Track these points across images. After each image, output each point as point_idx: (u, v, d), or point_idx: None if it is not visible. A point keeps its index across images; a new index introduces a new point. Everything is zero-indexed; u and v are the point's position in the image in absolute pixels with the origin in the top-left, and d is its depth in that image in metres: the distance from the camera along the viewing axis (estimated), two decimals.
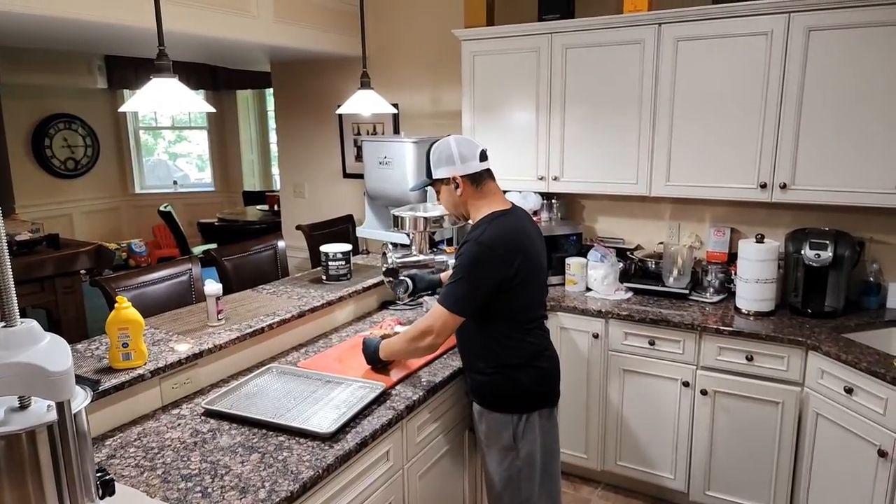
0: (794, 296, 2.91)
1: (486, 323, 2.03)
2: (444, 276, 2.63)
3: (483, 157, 2.10)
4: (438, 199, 2.20)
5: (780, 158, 2.80)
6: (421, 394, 2.10)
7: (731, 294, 3.04)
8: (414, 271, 2.64)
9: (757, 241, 2.86)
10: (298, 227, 4.10)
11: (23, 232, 4.42)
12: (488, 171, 2.12)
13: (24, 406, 1.09)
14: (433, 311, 2.01)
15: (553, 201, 3.56)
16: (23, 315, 1.08)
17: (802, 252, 2.83)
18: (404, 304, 3.04)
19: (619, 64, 3.08)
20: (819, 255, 2.79)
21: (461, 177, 2.06)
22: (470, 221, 2.13)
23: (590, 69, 3.16)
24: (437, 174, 2.10)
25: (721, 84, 2.87)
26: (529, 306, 2.06)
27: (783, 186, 2.81)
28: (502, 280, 1.94)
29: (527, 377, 2.05)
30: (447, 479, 2.34)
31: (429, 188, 2.33)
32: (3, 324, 1.04)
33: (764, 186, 2.85)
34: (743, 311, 2.89)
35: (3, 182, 7.16)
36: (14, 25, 2.91)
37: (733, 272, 3.05)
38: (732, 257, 3.13)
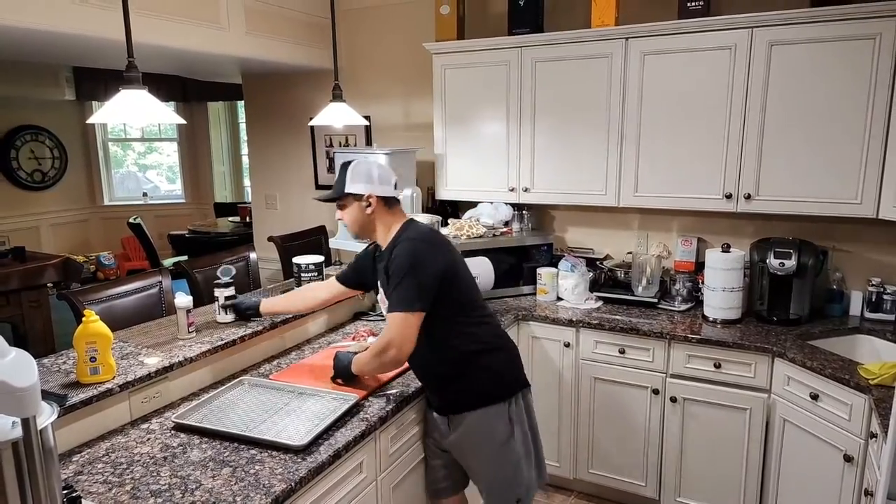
0: (760, 304, 2.98)
1: (444, 318, 2.04)
2: (266, 302, 2.55)
3: (396, 186, 2.17)
4: (340, 214, 2.18)
5: (744, 169, 2.87)
6: (393, 405, 2.11)
7: (699, 302, 3.10)
8: (238, 299, 2.59)
9: (723, 251, 2.93)
10: (270, 239, 4.08)
11: None
12: (399, 201, 2.20)
13: None
14: (388, 323, 2.01)
15: (524, 212, 3.60)
16: None
17: (767, 261, 2.90)
18: (377, 315, 3.05)
19: (587, 77, 3.14)
20: (783, 264, 2.86)
21: (377, 197, 2.10)
22: (372, 240, 2.21)
23: (559, 82, 3.21)
24: (350, 188, 2.09)
25: (687, 97, 2.94)
26: (473, 294, 2.14)
27: (748, 197, 2.87)
28: (445, 269, 2.02)
29: (496, 362, 2.12)
30: (421, 490, 2.34)
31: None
32: None
33: (729, 197, 2.91)
34: (710, 319, 2.95)
35: None
36: None
37: (700, 281, 3.11)
38: (700, 266, 3.19)
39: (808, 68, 2.68)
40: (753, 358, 2.68)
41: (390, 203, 2.15)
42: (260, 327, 2.50)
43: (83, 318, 1.96)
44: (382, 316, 3.01)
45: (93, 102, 7.89)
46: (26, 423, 1.02)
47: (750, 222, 3.21)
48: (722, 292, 2.90)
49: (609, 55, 3.06)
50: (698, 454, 2.87)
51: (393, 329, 1.98)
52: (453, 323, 2.07)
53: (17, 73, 6.71)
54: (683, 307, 3.15)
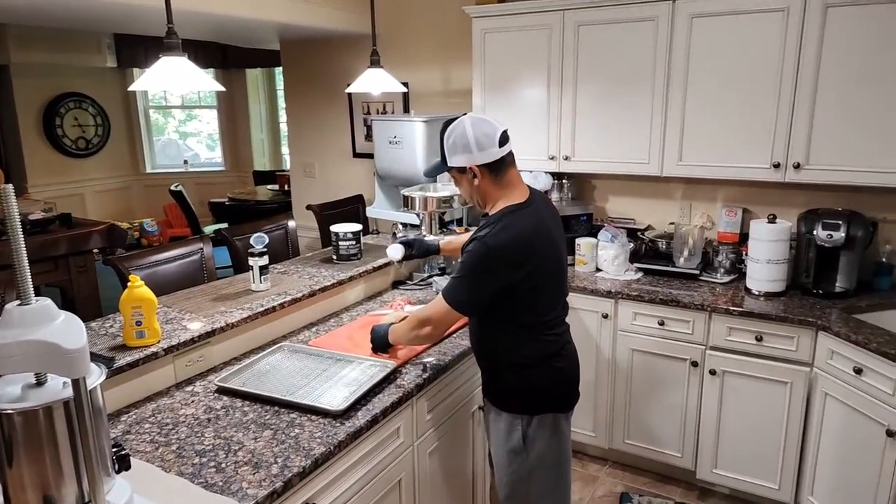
0: (805, 276, 2.90)
1: (494, 324, 1.96)
2: (444, 242, 2.59)
3: (503, 140, 1.89)
4: (455, 185, 2.08)
5: (794, 138, 2.77)
6: (431, 373, 2.12)
7: (742, 275, 3.03)
8: (411, 236, 2.63)
9: (769, 222, 2.84)
10: (309, 207, 4.11)
11: (36, 211, 4.46)
12: (510, 155, 1.93)
13: (40, 383, 1.11)
14: (435, 301, 1.98)
15: (564, 181, 3.55)
16: (37, 293, 1.09)
17: (815, 232, 2.81)
18: (415, 284, 3.05)
19: (631, 41, 3.04)
20: (831, 236, 2.77)
21: (479, 166, 1.89)
22: (487, 210, 1.99)
23: (602, 47, 3.12)
24: (452, 162, 1.94)
25: (735, 62, 2.83)
26: (541, 311, 1.94)
27: (797, 166, 2.78)
28: (507, 287, 1.85)
29: (539, 377, 1.95)
30: (456, 457, 2.37)
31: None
32: (18, 302, 1.06)
33: (777, 166, 2.82)
34: (753, 291, 2.88)
35: (16, 161, 7.22)
36: (23, 4, 2.91)
37: (744, 252, 3.03)
38: (744, 237, 3.11)
39: (863, 32, 2.55)
40: (796, 331, 2.62)
41: (497, 169, 1.90)
42: (300, 294, 2.53)
43: (129, 283, 2.00)
44: (420, 285, 3.03)
45: (133, 70, 7.99)
46: (77, 384, 1.05)
47: (798, 193, 3.10)
48: (766, 264, 2.82)
49: (655, 18, 2.96)
50: (736, 427, 2.83)
51: (436, 311, 1.97)
52: (505, 331, 1.95)
53: (59, 41, 6.82)
54: (726, 279, 3.08)
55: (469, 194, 2.00)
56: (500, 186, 1.93)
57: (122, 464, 1.21)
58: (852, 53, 2.59)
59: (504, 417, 2.00)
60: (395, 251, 2.60)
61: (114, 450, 1.21)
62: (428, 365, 2.16)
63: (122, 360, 1.90)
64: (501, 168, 1.91)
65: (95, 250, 4.59)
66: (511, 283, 1.85)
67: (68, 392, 1.08)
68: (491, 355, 2.04)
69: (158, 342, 2.03)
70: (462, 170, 1.93)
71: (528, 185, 2.01)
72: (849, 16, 2.57)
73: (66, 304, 4.38)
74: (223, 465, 1.58)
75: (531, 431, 1.96)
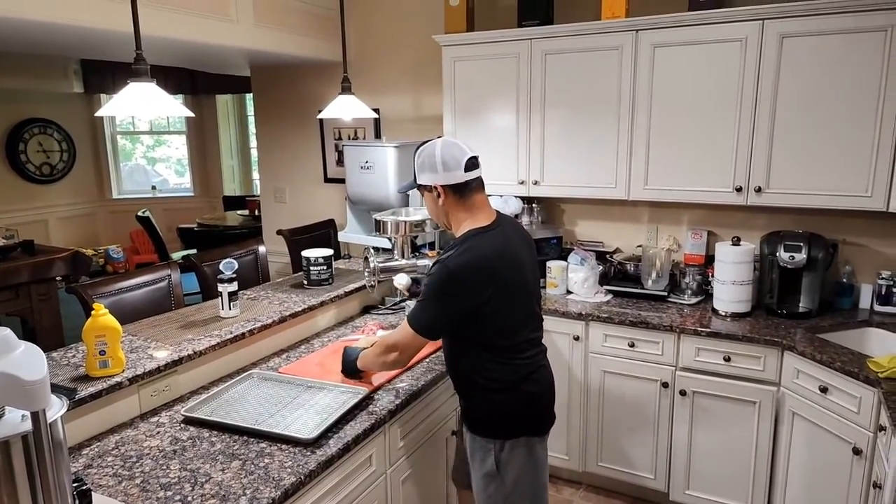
0: (770, 297, 2.96)
1: (462, 346, 1.97)
2: None
3: (470, 165, 1.94)
4: (425, 202, 2.11)
5: (755, 162, 2.84)
6: (403, 399, 2.11)
7: (709, 296, 3.08)
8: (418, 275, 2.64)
9: (733, 244, 2.91)
10: (279, 232, 4.08)
11: None
12: (476, 180, 1.98)
13: None
14: (401, 327, 1.98)
15: (534, 205, 3.58)
16: None
17: (777, 254, 2.88)
18: (387, 309, 3.05)
19: (597, 69, 3.11)
20: (793, 257, 2.83)
21: (442, 186, 1.94)
22: (453, 231, 2.03)
23: (569, 75, 3.19)
24: (420, 179, 2.01)
25: (697, 89, 2.91)
26: (507, 333, 1.93)
27: (758, 190, 2.85)
28: (469, 309, 1.85)
29: (510, 401, 1.94)
30: (429, 484, 2.35)
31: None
32: None
33: (739, 190, 2.89)
34: (720, 312, 2.93)
35: None
36: None
37: (710, 274, 3.09)
38: (709, 259, 3.17)
39: (819, 61, 2.65)
40: (763, 351, 2.67)
41: (462, 192, 1.95)
42: (270, 320, 2.50)
43: (92, 312, 1.96)
44: (392, 309, 3.02)
45: (101, 95, 7.91)
46: (36, 417, 1.02)
47: (760, 215, 3.18)
48: (732, 285, 2.88)
49: (619, 47, 3.03)
50: (707, 447, 2.86)
51: (402, 337, 1.98)
52: (473, 354, 1.95)
53: (25, 66, 6.73)
54: (693, 300, 3.13)
55: (435, 213, 2.06)
56: (464, 209, 1.97)
57: (84, 499, 1.18)
58: (808, 81, 2.68)
59: (479, 441, 1.99)
60: (402, 279, 2.61)
61: (74, 485, 1.17)
62: (400, 390, 2.15)
63: (85, 391, 1.86)
64: (466, 191, 1.96)
65: (58, 278, 4.49)
66: (473, 306, 1.85)
67: (27, 425, 1.05)
68: (463, 378, 2.03)
69: (123, 372, 1.98)
70: (429, 188, 2.00)
71: (498, 210, 2.04)
72: (804, 46, 2.66)
73: (26, 333, 4.26)
74: (189, 499, 1.54)
75: (504, 456, 1.95)
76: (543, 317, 2.12)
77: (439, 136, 2.08)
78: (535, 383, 1.99)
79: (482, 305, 1.85)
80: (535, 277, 2.08)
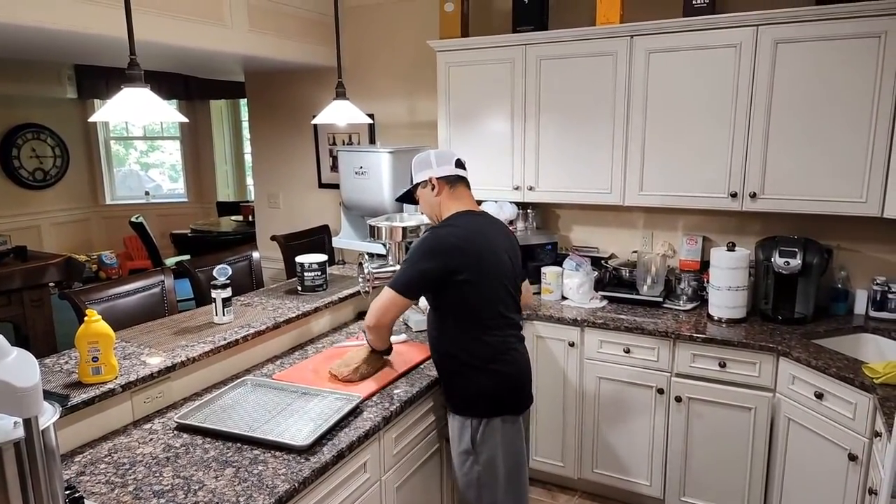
0: (765, 303, 2.96)
1: (445, 321, 2.13)
2: None
3: (458, 164, 2.25)
4: (420, 208, 2.32)
5: (749, 168, 2.85)
6: (397, 405, 2.10)
7: (704, 301, 3.09)
8: None
9: (728, 250, 2.91)
10: (273, 238, 4.07)
11: None
12: (465, 179, 2.26)
13: None
14: (382, 290, 2.13)
15: (528, 211, 3.58)
16: None
17: (772, 260, 2.88)
18: None
19: (592, 75, 3.12)
20: (788, 263, 2.84)
21: (436, 178, 2.20)
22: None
23: (564, 80, 3.20)
24: (416, 178, 2.24)
25: (692, 95, 2.92)
26: (481, 306, 2.09)
27: (753, 196, 2.86)
28: (445, 272, 2.03)
29: (486, 380, 2.08)
30: (425, 490, 2.33)
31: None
32: None
33: (734, 196, 2.90)
34: (715, 318, 2.93)
35: None
36: None
37: (706, 280, 3.09)
38: (705, 265, 3.17)
39: (813, 67, 2.66)
40: (758, 357, 2.67)
41: (453, 183, 2.22)
42: (263, 327, 2.49)
43: (85, 318, 1.95)
44: None
45: (94, 100, 7.89)
46: (28, 424, 1.01)
47: (755, 221, 3.19)
48: (727, 291, 2.88)
49: (614, 53, 3.04)
50: (703, 454, 2.85)
51: (378, 299, 2.13)
52: (458, 328, 2.11)
53: (18, 72, 6.70)
54: (688, 306, 3.13)
55: (429, 207, 2.26)
56: (454, 197, 2.22)
57: None
58: (802, 87, 2.70)
59: (457, 420, 2.14)
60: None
61: (67, 492, 1.16)
62: (395, 396, 2.14)
63: (78, 397, 1.84)
64: (457, 184, 2.24)
65: (51, 284, 4.46)
66: (448, 271, 2.03)
67: (19, 432, 1.04)
68: (444, 355, 2.17)
69: (116, 378, 1.97)
70: (424, 184, 2.23)
71: (485, 211, 2.33)
72: (798, 52, 2.68)
73: (19, 340, 4.24)
74: None
75: (479, 434, 2.09)
76: (538, 323, 2.21)
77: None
78: (508, 364, 2.12)
79: (455, 271, 2.03)
80: (516, 264, 2.25)
